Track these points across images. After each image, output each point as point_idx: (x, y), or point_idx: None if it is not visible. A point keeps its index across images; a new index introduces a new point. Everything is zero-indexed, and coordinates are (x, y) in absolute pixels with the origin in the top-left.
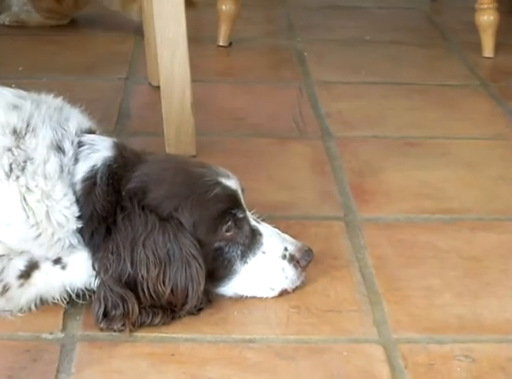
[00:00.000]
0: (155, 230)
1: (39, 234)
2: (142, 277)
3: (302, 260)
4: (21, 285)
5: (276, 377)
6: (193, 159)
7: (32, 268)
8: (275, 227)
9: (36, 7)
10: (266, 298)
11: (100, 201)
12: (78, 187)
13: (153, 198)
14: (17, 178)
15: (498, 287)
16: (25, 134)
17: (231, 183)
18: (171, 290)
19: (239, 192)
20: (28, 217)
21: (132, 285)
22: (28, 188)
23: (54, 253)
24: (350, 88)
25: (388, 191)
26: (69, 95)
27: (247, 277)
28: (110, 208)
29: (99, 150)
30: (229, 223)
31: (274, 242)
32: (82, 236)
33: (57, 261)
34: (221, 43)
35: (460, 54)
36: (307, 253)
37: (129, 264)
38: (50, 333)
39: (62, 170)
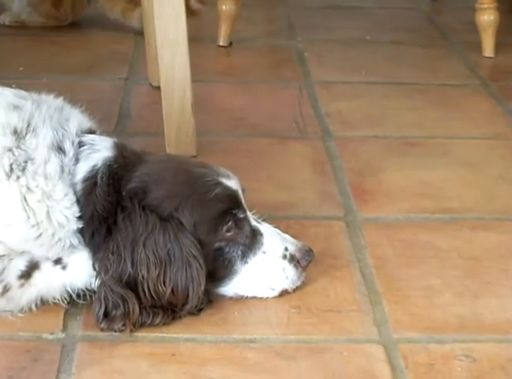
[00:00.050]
0: (155, 231)
1: (40, 235)
2: (143, 277)
3: (302, 260)
4: (22, 285)
5: (276, 377)
6: (194, 159)
7: (32, 268)
8: (275, 227)
9: (35, 11)
10: (267, 298)
11: (101, 201)
12: (79, 187)
13: (154, 198)
14: (18, 178)
15: (499, 287)
16: (26, 134)
17: (232, 183)
18: (172, 291)
19: (240, 192)
20: (28, 217)
21: (132, 285)
22: (28, 188)
23: (55, 253)
24: (350, 87)
25: (388, 191)
26: (69, 96)
27: (248, 277)
28: (110, 208)
29: (100, 150)
30: (230, 223)
31: (275, 242)
32: (83, 236)
33: (57, 261)
34: (221, 43)
35: (460, 53)
36: (308, 253)
37: (129, 265)
38: (51, 333)
39: (62, 171)
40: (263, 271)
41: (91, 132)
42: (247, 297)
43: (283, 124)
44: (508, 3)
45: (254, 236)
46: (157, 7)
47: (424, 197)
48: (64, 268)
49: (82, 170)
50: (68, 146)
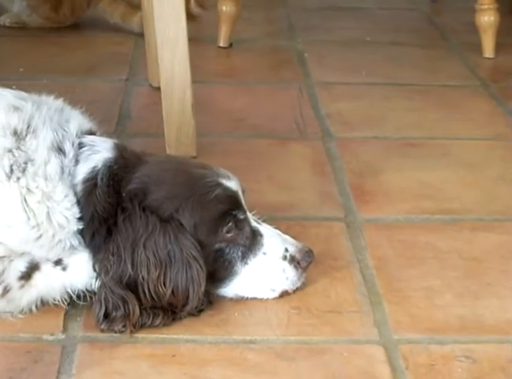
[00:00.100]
0: (155, 232)
1: (40, 236)
2: (143, 278)
3: (302, 261)
4: (22, 286)
5: (276, 378)
6: (194, 161)
7: (32, 269)
8: (276, 228)
9: (35, 13)
10: (267, 299)
11: (101, 202)
12: (79, 188)
13: (154, 199)
14: (18, 179)
15: (499, 288)
16: (26, 135)
17: (232, 184)
18: (172, 292)
19: (240, 193)
20: (28, 218)
21: (133, 286)
22: (28, 189)
23: (55, 254)
24: (350, 88)
25: (388, 192)
26: (69, 97)
27: (248, 278)
28: (110, 209)
29: (100, 151)
30: (230, 224)
31: (275, 243)
32: (83, 237)
33: (58, 263)
34: (221, 44)
35: (460, 54)
36: (308, 254)
37: (129, 266)
38: (51, 334)
39: (62, 172)
40: (263, 272)
41: (91, 133)
42: (247, 298)
43: (283, 125)
44: (508, 4)
45: (255, 237)
46: (157, 8)
47: (424, 198)
48: (64, 269)
49: (82, 171)
50: (68, 147)
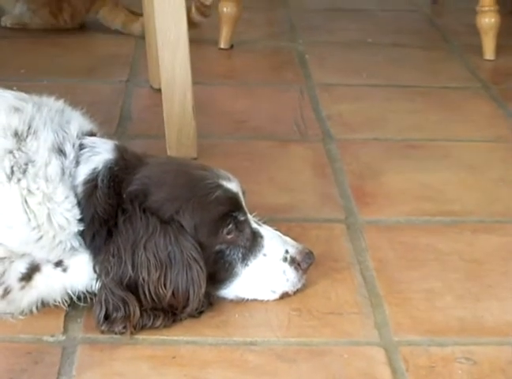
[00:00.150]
0: (156, 233)
1: (41, 237)
2: (143, 280)
3: (303, 263)
4: (23, 288)
5: None
6: (194, 162)
7: (33, 270)
8: (276, 230)
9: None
10: (267, 300)
11: (101, 204)
12: (79, 190)
13: (154, 201)
14: (19, 180)
15: (499, 290)
16: (27, 137)
17: (232, 186)
18: (172, 293)
19: (240, 194)
20: (29, 220)
21: (133, 288)
22: (29, 190)
23: (56, 255)
24: (351, 90)
25: (389, 193)
26: (70, 98)
27: (248, 280)
28: (111, 210)
29: (101, 153)
30: (230, 225)
31: (275, 245)
32: (83, 239)
33: (58, 264)
34: (222, 46)
35: (461, 56)
36: (308, 255)
37: (130, 267)
38: (52, 336)
39: (63, 173)
40: (264, 273)
41: (92, 134)
42: (248, 299)
43: (284, 126)
44: (509, 5)
45: (255, 239)
46: (158, 9)
47: (425, 200)
48: (65, 270)
49: (83, 172)
50: (69, 148)
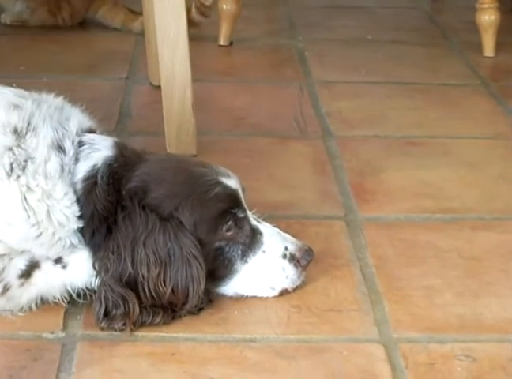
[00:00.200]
0: (155, 230)
1: (40, 234)
2: (143, 277)
3: (302, 260)
4: (22, 284)
5: (276, 377)
6: (194, 159)
7: (32, 267)
8: (275, 227)
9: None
10: (267, 297)
11: (101, 201)
12: (79, 186)
13: (154, 198)
14: (18, 177)
15: (499, 287)
16: (26, 134)
17: (232, 183)
18: (172, 290)
19: (240, 191)
20: (28, 216)
21: (132, 284)
22: (28, 187)
23: (55, 252)
24: (351, 87)
25: (389, 190)
26: (69, 95)
27: (248, 277)
28: (110, 207)
29: (100, 149)
30: (229, 222)
31: (274, 242)
32: (83, 235)
33: (58, 261)
34: (222, 43)
35: (461, 53)
36: (308, 252)
37: (129, 264)
38: (51, 332)
39: (62, 170)
40: (263, 270)
41: (91, 131)
42: (247, 296)
43: (283, 123)
44: (509, 3)
45: (254, 235)
46: (157, 6)
47: (425, 197)
48: (64, 267)
49: (82, 169)
50: (68, 145)
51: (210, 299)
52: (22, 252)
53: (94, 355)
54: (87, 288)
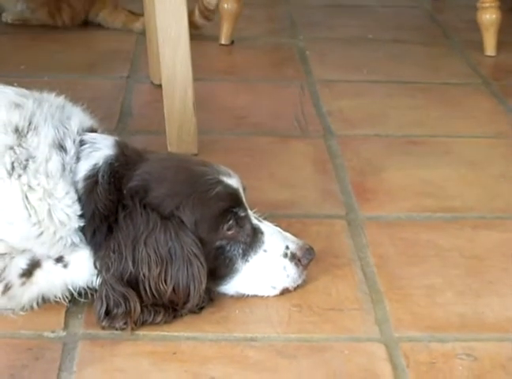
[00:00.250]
0: (156, 229)
1: (41, 233)
2: (144, 276)
3: (303, 259)
4: (23, 283)
5: (277, 376)
6: (195, 158)
7: (33, 266)
8: (276, 226)
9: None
10: (268, 296)
11: (102, 200)
12: (80, 185)
13: (155, 197)
14: (19, 176)
15: (500, 286)
16: (27, 133)
17: (233, 182)
18: (173, 289)
19: (241, 190)
20: (30, 215)
21: (134, 283)
22: (30, 186)
23: (56, 251)
24: (352, 86)
25: (390, 189)
26: (70, 94)
27: (249, 276)
28: (111, 206)
29: (101, 148)
30: (230, 221)
31: (275, 241)
32: (84, 234)
33: (59, 260)
34: (223, 42)
35: (462, 52)
36: (309, 251)
37: (130, 263)
38: (52, 331)
39: (63, 169)
40: (264, 269)
41: (92, 130)
42: (248, 295)
43: (284, 122)
44: (509, 2)
45: (255, 234)
46: (159, 6)
47: (426, 196)
48: (65, 266)
49: (83, 168)
50: (69, 144)
51: (211, 298)
52: (23, 251)
53: (95, 354)
54: (88, 287)
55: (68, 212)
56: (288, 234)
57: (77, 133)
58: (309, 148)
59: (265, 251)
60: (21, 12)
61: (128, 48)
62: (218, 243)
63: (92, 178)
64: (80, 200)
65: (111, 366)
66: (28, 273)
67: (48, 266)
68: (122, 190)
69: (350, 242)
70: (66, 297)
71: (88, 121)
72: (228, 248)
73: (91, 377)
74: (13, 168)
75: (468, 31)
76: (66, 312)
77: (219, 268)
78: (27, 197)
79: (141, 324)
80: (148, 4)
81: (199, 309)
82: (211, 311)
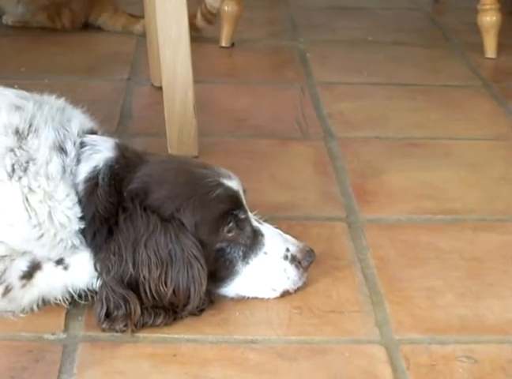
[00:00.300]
0: (157, 231)
1: (42, 235)
2: (144, 278)
3: (304, 261)
4: (24, 286)
5: (277, 378)
6: (195, 160)
7: (34, 268)
8: (277, 228)
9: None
10: (268, 298)
11: (102, 202)
12: (80, 188)
13: (155, 199)
14: (20, 178)
15: (500, 288)
16: (28, 135)
17: (233, 184)
18: (173, 291)
19: (241, 193)
20: (30, 218)
21: (134, 286)
22: (30, 188)
23: (57, 253)
24: (352, 88)
25: (390, 192)
26: (71, 96)
27: (249, 278)
28: (112, 208)
29: (101, 151)
30: (231, 223)
31: (276, 243)
32: (84, 237)
33: (59, 262)
34: (223, 44)
35: (462, 54)
36: (309, 253)
37: (131, 265)
38: (53, 334)
39: (64, 171)
40: (264, 271)
41: (92, 132)
42: (249, 297)
43: (285, 125)
44: (510, 4)
45: (256, 237)
46: (159, 7)
47: (426, 198)
48: (66, 268)
49: (84, 170)
50: (70, 146)
51: (211, 300)
52: (24, 253)
53: (95, 356)
54: (88, 289)
55: (68, 214)
56: (288, 237)
57: (78, 135)
58: (309, 150)
59: (265, 253)
60: (22, 14)
61: (128, 50)
62: (218, 245)
63: (93, 181)
64: (80, 202)
65: (112, 368)
66: (28, 275)
67: (48, 268)
68: (122, 192)
69: (350, 244)
70: (67, 299)
71: (89, 124)
72: (229, 250)
73: None
74: (13, 170)
75: (468, 34)
76: (67, 314)
77: (219, 270)
78: (27, 199)
79: (142, 326)
80: (148, 5)
81: (199, 311)
82: (211, 313)
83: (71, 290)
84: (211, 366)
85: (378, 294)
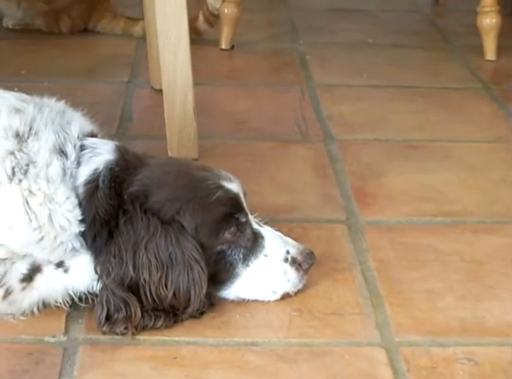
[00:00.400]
0: (157, 234)
1: (42, 238)
2: (144, 280)
3: (304, 263)
4: (24, 288)
5: None
6: (195, 163)
7: (34, 271)
8: (277, 230)
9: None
10: (268, 301)
11: (102, 205)
12: (81, 190)
13: (155, 201)
14: (20, 181)
15: (500, 290)
16: (28, 138)
17: (233, 186)
18: (174, 294)
19: (241, 195)
20: (30, 220)
21: (134, 288)
22: (30, 191)
23: (57, 256)
24: (352, 91)
25: (390, 194)
26: (71, 99)
27: (249, 280)
28: (112, 211)
29: (101, 153)
30: (231, 226)
31: (276, 245)
32: (85, 239)
33: (59, 265)
34: (223, 47)
35: (462, 57)
36: (309, 256)
37: (131, 268)
38: (53, 336)
39: (64, 174)
40: (265, 274)
41: (92, 135)
42: (249, 300)
43: (285, 127)
44: (510, 6)
45: (256, 239)
46: (159, 10)
47: (426, 201)
48: (66, 271)
49: (84, 173)
50: (70, 149)
51: (212, 303)
52: (24, 256)
53: (96, 359)
54: (89, 292)
55: (68, 216)
56: (288, 239)
57: (78, 138)
58: (309, 152)
59: (265, 256)
60: (22, 17)
61: (128, 53)
62: (219, 248)
63: (93, 183)
64: (80, 205)
65: (112, 371)
66: (28, 278)
67: (49, 271)
68: (122, 195)
69: (350, 247)
70: (67, 302)
71: (89, 127)
72: (229, 253)
73: None
74: (13, 173)
75: (468, 36)
76: (67, 317)
77: (219, 272)
78: (27, 202)
79: (142, 328)
80: (148, 8)
81: (200, 313)
82: (211, 316)
83: (71, 293)
84: (211, 369)
85: (379, 296)
